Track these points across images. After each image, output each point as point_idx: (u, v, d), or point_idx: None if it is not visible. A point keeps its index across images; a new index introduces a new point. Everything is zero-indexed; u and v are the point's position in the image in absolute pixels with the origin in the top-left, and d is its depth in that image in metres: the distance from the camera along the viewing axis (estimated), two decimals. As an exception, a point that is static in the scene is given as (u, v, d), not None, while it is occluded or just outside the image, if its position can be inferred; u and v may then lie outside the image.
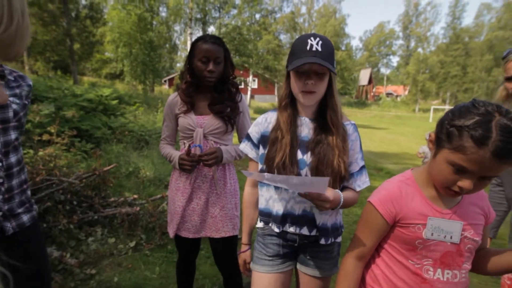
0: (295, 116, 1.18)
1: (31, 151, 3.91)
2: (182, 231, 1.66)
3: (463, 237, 0.87)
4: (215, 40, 1.56)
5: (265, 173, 0.98)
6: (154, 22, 22.20)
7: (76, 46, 19.09)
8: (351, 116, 32.51)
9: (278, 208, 1.19)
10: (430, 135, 0.87)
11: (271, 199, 1.21)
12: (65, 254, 2.35)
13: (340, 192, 1.08)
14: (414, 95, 41.95)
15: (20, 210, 1.25)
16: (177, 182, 1.66)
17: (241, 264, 1.37)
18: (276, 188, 1.18)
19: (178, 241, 1.75)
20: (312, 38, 1.06)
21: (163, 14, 23.87)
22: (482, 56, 38.76)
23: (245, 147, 1.30)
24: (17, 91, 1.23)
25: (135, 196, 3.38)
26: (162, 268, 2.53)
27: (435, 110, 33.65)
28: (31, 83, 1.30)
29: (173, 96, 1.69)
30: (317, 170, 1.11)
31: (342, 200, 1.06)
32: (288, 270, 1.27)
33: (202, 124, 1.61)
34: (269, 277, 1.23)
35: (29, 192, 1.31)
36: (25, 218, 1.27)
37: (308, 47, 1.05)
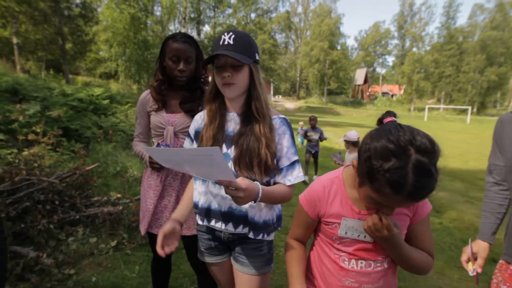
0: (222, 111, 1.20)
1: (15, 151, 3.88)
2: (154, 228, 1.65)
3: None
4: (186, 39, 1.55)
5: (156, 148, 0.99)
6: (149, 22, 22.11)
7: (69, 45, 18.90)
8: (346, 115, 32.69)
9: (203, 201, 1.21)
10: (353, 162, 0.87)
11: (200, 192, 1.23)
12: (41, 255, 2.32)
13: (259, 184, 1.04)
14: (409, 94, 42.20)
15: None
16: (149, 179, 1.65)
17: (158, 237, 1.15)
18: (204, 181, 1.21)
19: (151, 239, 1.74)
20: (225, 34, 1.10)
21: (158, 14, 23.76)
22: (475, 56, 39.06)
23: (186, 144, 1.34)
24: None
25: (118, 195, 3.36)
26: (142, 267, 2.51)
27: (430, 109, 33.87)
28: None
29: (145, 94, 1.68)
30: (239, 161, 1.12)
31: (260, 191, 1.02)
32: (227, 260, 1.31)
33: (173, 122, 1.60)
34: (211, 265, 1.33)
35: None
36: None
37: (221, 42, 1.09)
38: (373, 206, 0.84)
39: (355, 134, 3.82)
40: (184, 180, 1.61)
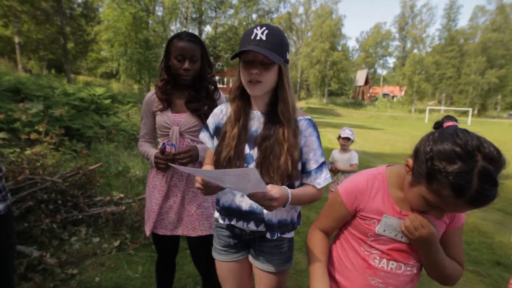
0: (246, 109, 1.16)
1: (17, 150, 3.88)
2: (160, 229, 1.64)
3: None
4: (191, 37, 1.54)
5: (198, 169, 0.98)
6: (150, 21, 22.10)
7: (70, 45, 18.94)
8: (347, 116, 32.70)
9: (225, 200, 1.20)
10: (407, 161, 0.85)
11: (221, 191, 1.19)
12: (45, 254, 2.32)
13: (287, 188, 1.03)
14: (410, 95, 42.17)
15: None
16: (154, 180, 1.65)
17: None
18: None
19: (156, 240, 1.73)
20: (258, 28, 1.04)
21: (159, 14, 23.75)
22: (476, 57, 39.02)
23: (204, 137, 1.30)
24: None
25: (121, 195, 3.36)
26: (145, 267, 2.50)
27: (431, 110, 33.84)
28: None
29: (151, 94, 1.67)
30: (261, 166, 1.09)
31: (290, 196, 1.02)
32: (243, 258, 1.29)
33: (178, 122, 1.59)
34: (225, 265, 1.30)
35: (3, 181, 1.32)
36: (1, 206, 1.27)
37: (252, 36, 1.03)
38: (423, 208, 0.83)
39: (351, 131, 3.51)
40: (189, 180, 1.60)
